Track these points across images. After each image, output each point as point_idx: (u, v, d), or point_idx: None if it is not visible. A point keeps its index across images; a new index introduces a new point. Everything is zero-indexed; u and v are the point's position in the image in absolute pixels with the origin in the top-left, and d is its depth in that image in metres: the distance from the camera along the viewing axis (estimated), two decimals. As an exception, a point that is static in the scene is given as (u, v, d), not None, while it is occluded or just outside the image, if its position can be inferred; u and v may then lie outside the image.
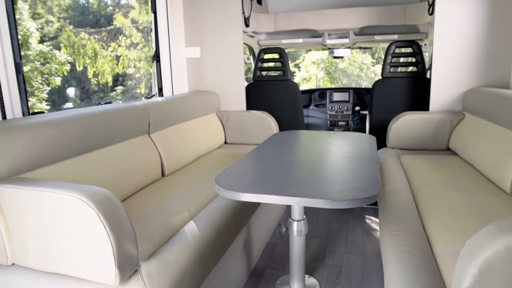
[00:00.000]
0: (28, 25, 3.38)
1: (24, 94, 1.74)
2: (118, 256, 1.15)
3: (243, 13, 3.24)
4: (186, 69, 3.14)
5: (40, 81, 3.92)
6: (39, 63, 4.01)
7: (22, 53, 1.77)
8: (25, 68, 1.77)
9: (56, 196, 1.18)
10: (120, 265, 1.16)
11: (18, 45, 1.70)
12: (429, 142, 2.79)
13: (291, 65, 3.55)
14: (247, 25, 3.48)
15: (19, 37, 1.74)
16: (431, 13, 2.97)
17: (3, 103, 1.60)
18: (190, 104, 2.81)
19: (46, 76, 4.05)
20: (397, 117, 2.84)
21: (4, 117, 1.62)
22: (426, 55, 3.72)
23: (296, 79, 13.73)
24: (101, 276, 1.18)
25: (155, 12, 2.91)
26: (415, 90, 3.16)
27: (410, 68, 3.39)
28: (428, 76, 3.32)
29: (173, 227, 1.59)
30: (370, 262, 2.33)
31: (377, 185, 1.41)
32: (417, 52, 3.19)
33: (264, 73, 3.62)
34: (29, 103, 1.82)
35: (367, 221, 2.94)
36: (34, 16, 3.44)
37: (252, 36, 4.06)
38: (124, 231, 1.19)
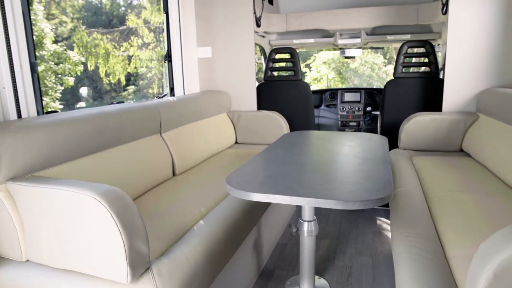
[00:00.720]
0: (43, 26, 3.43)
1: (39, 93, 1.77)
2: (130, 254, 1.16)
3: (255, 13, 3.24)
4: (198, 69, 3.15)
5: (53, 80, 3.97)
6: (53, 63, 4.07)
7: (37, 53, 1.80)
8: (39, 68, 1.80)
9: (69, 194, 1.20)
10: (132, 263, 1.17)
11: (33, 46, 1.73)
12: (441, 143, 2.76)
13: (302, 65, 3.54)
14: (258, 25, 3.48)
15: (34, 37, 1.76)
16: (445, 12, 2.94)
17: (18, 102, 1.63)
18: (201, 104, 2.83)
19: (59, 76, 4.11)
20: (409, 118, 2.81)
21: (19, 116, 1.64)
22: (439, 55, 3.68)
23: (307, 79, 13.69)
24: (113, 274, 1.19)
25: (167, 12, 2.93)
26: (427, 90, 3.13)
27: (423, 69, 3.36)
28: (441, 76, 3.28)
29: (184, 226, 1.60)
30: (381, 264, 2.32)
31: (389, 186, 1.40)
32: (430, 52, 3.15)
33: (275, 73, 3.62)
34: (43, 103, 1.85)
35: (378, 222, 2.92)
36: (49, 16, 3.49)
37: (263, 36, 4.06)
38: (135, 230, 1.20)
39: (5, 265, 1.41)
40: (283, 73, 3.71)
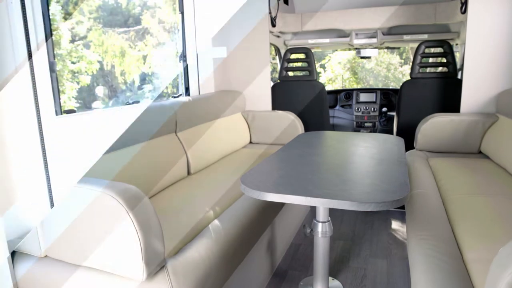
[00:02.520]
0: (61, 25, 3.49)
1: (57, 92, 1.80)
2: (146, 252, 1.17)
3: (270, 13, 3.24)
4: (213, 68, 3.17)
5: (70, 79, 4.03)
6: (70, 62, 4.13)
7: (55, 52, 1.83)
8: (57, 67, 1.83)
9: (86, 192, 1.22)
10: (148, 261, 1.18)
11: (52, 45, 1.75)
12: (459, 144, 2.71)
13: (316, 65, 3.53)
14: (273, 25, 3.47)
15: (52, 37, 1.79)
16: (464, 11, 2.88)
17: (37, 101, 1.66)
18: (216, 103, 2.83)
19: (76, 74, 4.17)
20: (426, 119, 2.77)
21: (38, 115, 1.67)
22: (457, 55, 3.62)
23: (321, 80, 13.61)
24: (129, 271, 1.21)
25: (182, 12, 2.94)
26: (445, 91, 3.08)
27: (440, 69, 3.30)
28: (459, 77, 3.23)
29: (199, 225, 1.61)
30: (395, 266, 2.29)
31: (405, 188, 1.38)
32: (448, 52, 3.10)
33: (290, 73, 3.61)
34: (60, 101, 1.88)
35: (393, 224, 2.88)
36: (66, 16, 3.54)
37: (278, 36, 4.05)
38: (151, 228, 1.21)
39: (24, 260, 1.44)
40: (298, 73, 3.69)
